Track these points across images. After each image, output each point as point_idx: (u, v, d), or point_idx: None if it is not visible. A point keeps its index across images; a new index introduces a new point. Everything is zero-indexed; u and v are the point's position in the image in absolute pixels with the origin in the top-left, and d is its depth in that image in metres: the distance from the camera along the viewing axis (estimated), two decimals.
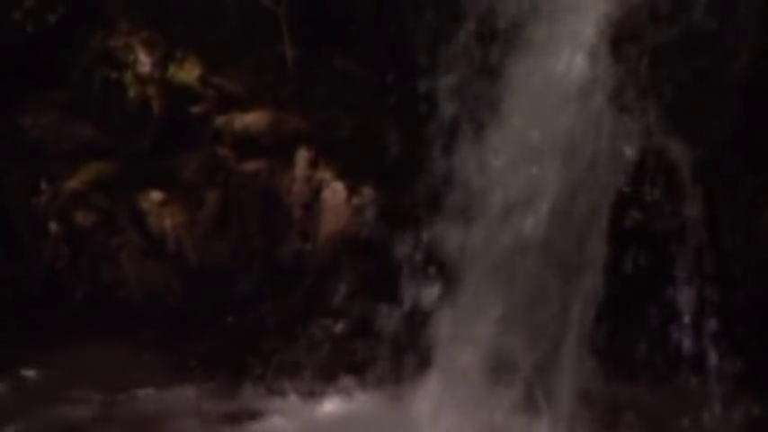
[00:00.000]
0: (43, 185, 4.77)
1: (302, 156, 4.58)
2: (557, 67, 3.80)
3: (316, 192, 4.57)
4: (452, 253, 3.97)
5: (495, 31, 3.90)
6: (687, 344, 3.64)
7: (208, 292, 4.67)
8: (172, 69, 4.73)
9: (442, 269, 4.00)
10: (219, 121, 4.69)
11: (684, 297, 3.68)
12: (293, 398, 4.09)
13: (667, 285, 3.68)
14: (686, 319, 3.66)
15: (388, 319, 4.08)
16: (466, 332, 3.89)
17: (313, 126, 4.60)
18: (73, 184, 4.74)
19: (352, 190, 4.51)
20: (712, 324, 3.62)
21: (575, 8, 3.86)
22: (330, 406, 4.05)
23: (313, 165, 4.58)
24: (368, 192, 4.48)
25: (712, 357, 3.62)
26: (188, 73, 4.72)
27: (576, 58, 3.81)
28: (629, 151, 3.75)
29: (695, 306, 3.65)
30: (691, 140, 3.77)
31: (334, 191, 4.53)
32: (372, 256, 4.37)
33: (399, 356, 4.07)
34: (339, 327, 4.48)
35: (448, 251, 4.00)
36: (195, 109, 4.72)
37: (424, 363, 3.98)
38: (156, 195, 4.71)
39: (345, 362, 4.27)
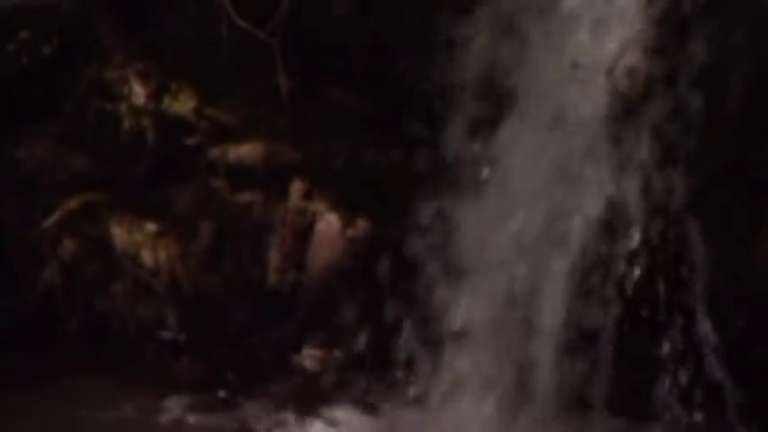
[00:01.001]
0: (37, 216, 4.76)
1: (296, 187, 4.58)
2: (553, 103, 3.83)
3: (310, 223, 4.57)
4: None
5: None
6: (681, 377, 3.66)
7: (202, 323, 4.67)
8: (166, 101, 4.74)
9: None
10: (214, 152, 4.69)
11: (675, 328, 3.71)
12: (287, 427, 4.08)
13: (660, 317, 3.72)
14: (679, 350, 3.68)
15: (384, 350, 4.10)
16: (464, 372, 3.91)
17: (307, 157, 4.60)
18: (67, 215, 4.73)
19: (347, 221, 4.51)
20: (703, 356, 3.64)
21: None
22: None
23: (307, 196, 4.58)
24: (362, 223, 4.48)
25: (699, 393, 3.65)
26: (182, 104, 4.72)
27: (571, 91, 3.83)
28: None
29: (686, 337, 3.68)
30: (684, 172, 3.78)
31: (329, 222, 4.53)
32: (366, 287, 4.36)
33: (394, 386, 4.09)
34: (333, 357, 4.48)
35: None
36: (189, 140, 4.72)
37: (421, 393, 3.99)
38: (150, 227, 4.71)
39: (340, 392, 4.27)
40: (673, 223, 3.75)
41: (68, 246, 4.74)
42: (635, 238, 3.76)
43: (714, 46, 3.68)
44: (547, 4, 3.85)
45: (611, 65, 3.85)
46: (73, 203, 4.74)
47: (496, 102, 3.98)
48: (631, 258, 3.76)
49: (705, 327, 3.67)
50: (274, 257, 4.61)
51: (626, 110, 3.84)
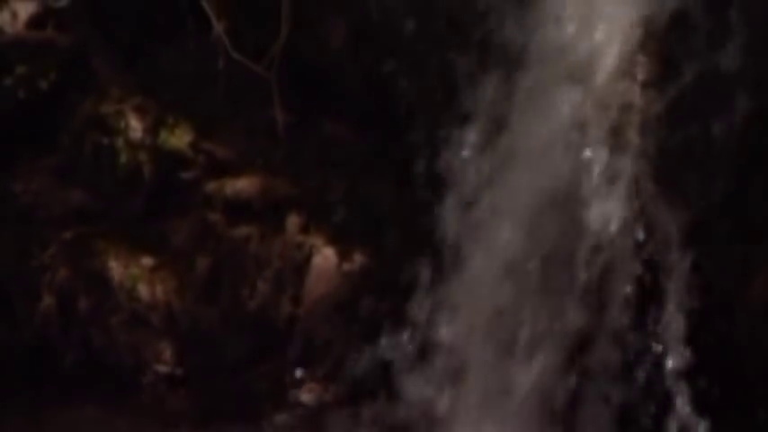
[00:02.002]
0: (34, 250, 4.76)
1: (293, 221, 4.59)
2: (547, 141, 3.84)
3: (306, 257, 4.57)
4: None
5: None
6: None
7: (199, 357, 4.66)
8: (163, 135, 4.74)
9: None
10: (210, 186, 4.70)
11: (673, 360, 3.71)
12: None
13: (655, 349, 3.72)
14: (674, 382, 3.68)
15: (379, 386, 4.11)
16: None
17: (303, 191, 4.62)
18: (63, 248, 4.73)
19: (343, 255, 4.51)
20: (701, 389, 3.64)
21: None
22: None
23: (303, 230, 4.58)
24: (359, 257, 4.48)
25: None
26: (179, 138, 4.73)
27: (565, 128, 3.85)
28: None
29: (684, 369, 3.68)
30: (680, 207, 3.78)
31: (325, 256, 4.53)
32: (362, 321, 4.37)
33: (394, 420, 4.09)
34: (331, 391, 4.48)
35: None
36: (186, 174, 4.73)
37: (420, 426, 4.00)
38: (146, 260, 4.71)
39: (335, 428, 4.27)
40: (667, 260, 3.76)
41: (65, 279, 4.73)
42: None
43: (711, 81, 3.70)
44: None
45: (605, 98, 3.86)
46: (69, 237, 4.74)
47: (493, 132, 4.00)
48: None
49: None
50: (271, 291, 4.61)
51: (621, 144, 3.85)
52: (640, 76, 3.85)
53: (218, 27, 4.60)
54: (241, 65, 4.56)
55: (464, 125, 4.00)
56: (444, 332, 4.05)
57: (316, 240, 4.56)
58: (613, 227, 3.77)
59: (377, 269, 4.44)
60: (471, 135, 3.98)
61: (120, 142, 4.75)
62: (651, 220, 3.81)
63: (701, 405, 3.62)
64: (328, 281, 4.52)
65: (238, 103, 4.72)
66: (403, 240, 4.28)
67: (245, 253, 4.64)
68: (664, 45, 3.80)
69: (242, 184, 4.66)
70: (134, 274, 4.70)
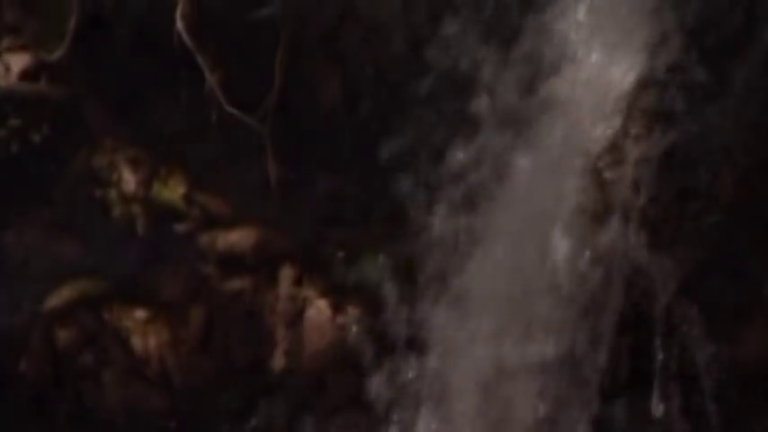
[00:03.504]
0: (26, 304, 4.74)
1: (286, 274, 4.58)
2: (538, 194, 3.85)
3: (300, 310, 4.56)
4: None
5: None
6: None
7: (192, 411, 4.64)
8: (156, 187, 4.75)
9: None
10: (204, 239, 4.69)
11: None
12: None
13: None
14: None
15: None
16: None
17: (297, 244, 4.61)
18: (56, 302, 4.72)
19: (337, 308, 4.50)
20: None
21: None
22: None
23: (297, 283, 4.57)
24: (352, 310, 4.47)
25: None
26: (172, 191, 4.73)
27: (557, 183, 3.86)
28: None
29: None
30: (674, 258, 3.79)
31: (319, 309, 4.52)
32: (357, 374, 4.35)
33: None
34: None
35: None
36: (179, 227, 4.72)
37: None
38: (139, 314, 4.69)
39: None
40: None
41: (58, 334, 4.72)
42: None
43: (703, 135, 3.72)
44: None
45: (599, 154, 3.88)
46: (62, 291, 4.73)
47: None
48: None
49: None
50: (264, 344, 4.60)
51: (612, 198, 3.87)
52: (634, 130, 3.86)
53: (212, 79, 4.61)
54: (235, 118, 4.57)
55: (454, 182, 4.02)
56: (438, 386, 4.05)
57: (309, 293, 4.55)
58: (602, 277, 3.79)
59: (371, 322, 4.42)
60: (459, 194, 4.00)
61: (113, 195, 4.76)
62: (644, 272, 3.82)
63: None
64: (322, 334, 4.51)
65: (232, 156, 4.72)
66: (399, 294, 4.26)
67: (239, 306, 4.63)
68: (658, 99, 3.81)
69: (235, 237, 4.65)
70: (127, 327, 4.69)
